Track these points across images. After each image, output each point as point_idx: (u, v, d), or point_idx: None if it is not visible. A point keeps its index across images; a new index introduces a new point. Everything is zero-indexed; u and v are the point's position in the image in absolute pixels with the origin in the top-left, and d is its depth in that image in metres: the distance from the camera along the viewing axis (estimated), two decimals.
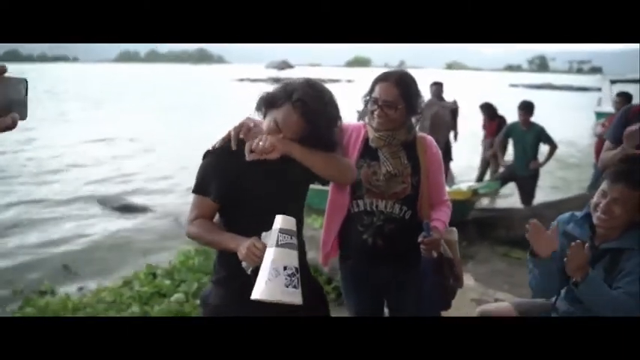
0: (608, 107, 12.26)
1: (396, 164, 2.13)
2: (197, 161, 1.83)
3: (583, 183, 8.19)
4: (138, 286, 4.23)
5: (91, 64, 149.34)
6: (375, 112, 2.10)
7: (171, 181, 9.62)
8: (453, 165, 7.48)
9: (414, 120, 2.18)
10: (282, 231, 1.58)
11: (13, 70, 0.95)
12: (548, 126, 6.34)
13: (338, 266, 2.38)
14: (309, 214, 5.35)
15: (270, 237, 1.59)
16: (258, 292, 1.51)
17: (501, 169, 6.95)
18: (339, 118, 1.83)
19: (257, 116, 1.83)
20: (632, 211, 2.03)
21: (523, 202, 6.45)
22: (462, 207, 5.32)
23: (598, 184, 2.16)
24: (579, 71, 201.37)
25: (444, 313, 2.32)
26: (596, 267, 2.06)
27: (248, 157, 1.73)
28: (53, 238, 6.48)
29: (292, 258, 1.57)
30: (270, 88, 1.84)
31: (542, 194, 7.31)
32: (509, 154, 6.78)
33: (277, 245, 1.56)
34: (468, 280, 3.67)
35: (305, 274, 1.75)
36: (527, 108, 6.16)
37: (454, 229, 2.28)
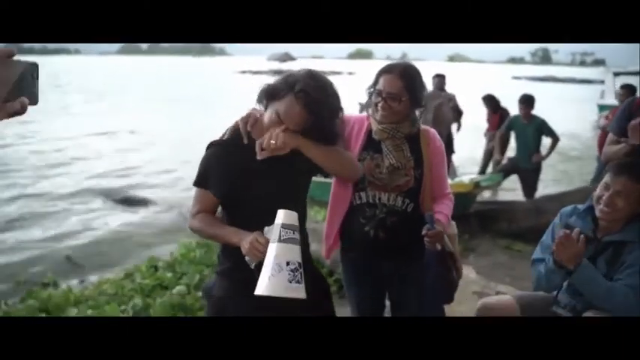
0: (612, 100, 12.24)
1: (399, 157, 2.12)
2: (200, 154, 1.82)
3: (585, 176, 8.18)
4: (139, 278, 4.24)
5: (93, 57, 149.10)
6: (379, 105, 2.09)
7: (174, 174, 9.60)
8: (455, 157, 7.48)
9: (417, 113, 2.17)
10: (284, 226, 1.57)
11: None
12: (551, 118, 6.31)
13: (340, 259, 2.38)
14: (312, 206, 5.36)
15: (273, 232, 1.58)
16: (261, 288, 1.52)
17: (504, 162, 6.93)
18: (340, 109, 1.82)
19: (258, 108, 1.82)
20: (634, 203, 2.03)
21: (525, 194, 6.44)
22: (464, 199, 5.30)
23: (601, 176, 2.16)
24: (582, 63, 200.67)
25: (446, 306, 2.33)
26: (598, 259, 2.06)
27: (259, 155, 1.71)
28: (56, 232, 6.47)
29: (295, 253, 1.57)
30: (272, 80, 1.82)
31: (545, 187, 7.29)
32: (512, 148, 6.76)
33: (280, 240, 1.56)
34: (469, 272, 3.67)
35: (309, 268, 1.75)
36: (527, 101, 6.14)
37: (453, 222, 2.28)
